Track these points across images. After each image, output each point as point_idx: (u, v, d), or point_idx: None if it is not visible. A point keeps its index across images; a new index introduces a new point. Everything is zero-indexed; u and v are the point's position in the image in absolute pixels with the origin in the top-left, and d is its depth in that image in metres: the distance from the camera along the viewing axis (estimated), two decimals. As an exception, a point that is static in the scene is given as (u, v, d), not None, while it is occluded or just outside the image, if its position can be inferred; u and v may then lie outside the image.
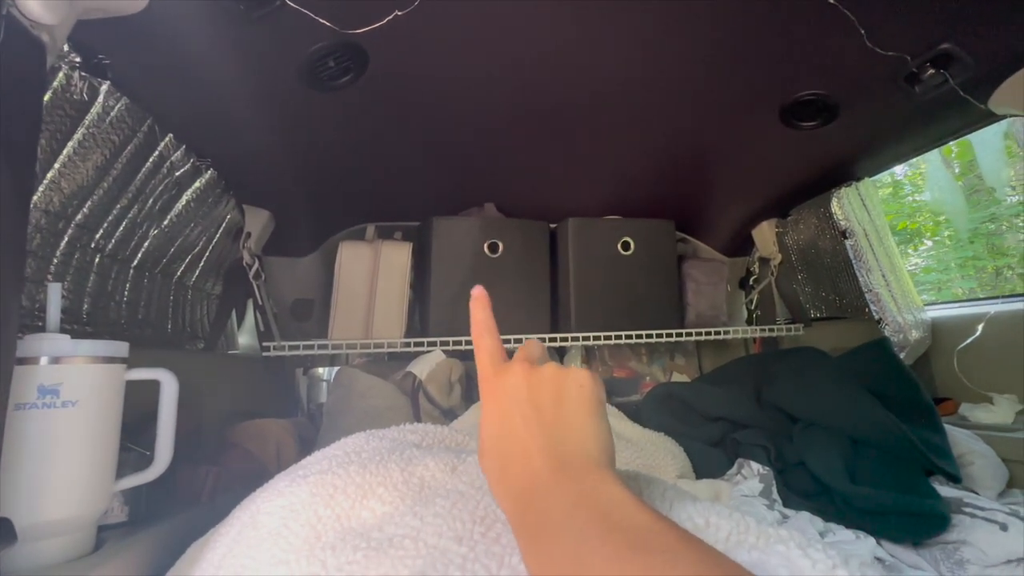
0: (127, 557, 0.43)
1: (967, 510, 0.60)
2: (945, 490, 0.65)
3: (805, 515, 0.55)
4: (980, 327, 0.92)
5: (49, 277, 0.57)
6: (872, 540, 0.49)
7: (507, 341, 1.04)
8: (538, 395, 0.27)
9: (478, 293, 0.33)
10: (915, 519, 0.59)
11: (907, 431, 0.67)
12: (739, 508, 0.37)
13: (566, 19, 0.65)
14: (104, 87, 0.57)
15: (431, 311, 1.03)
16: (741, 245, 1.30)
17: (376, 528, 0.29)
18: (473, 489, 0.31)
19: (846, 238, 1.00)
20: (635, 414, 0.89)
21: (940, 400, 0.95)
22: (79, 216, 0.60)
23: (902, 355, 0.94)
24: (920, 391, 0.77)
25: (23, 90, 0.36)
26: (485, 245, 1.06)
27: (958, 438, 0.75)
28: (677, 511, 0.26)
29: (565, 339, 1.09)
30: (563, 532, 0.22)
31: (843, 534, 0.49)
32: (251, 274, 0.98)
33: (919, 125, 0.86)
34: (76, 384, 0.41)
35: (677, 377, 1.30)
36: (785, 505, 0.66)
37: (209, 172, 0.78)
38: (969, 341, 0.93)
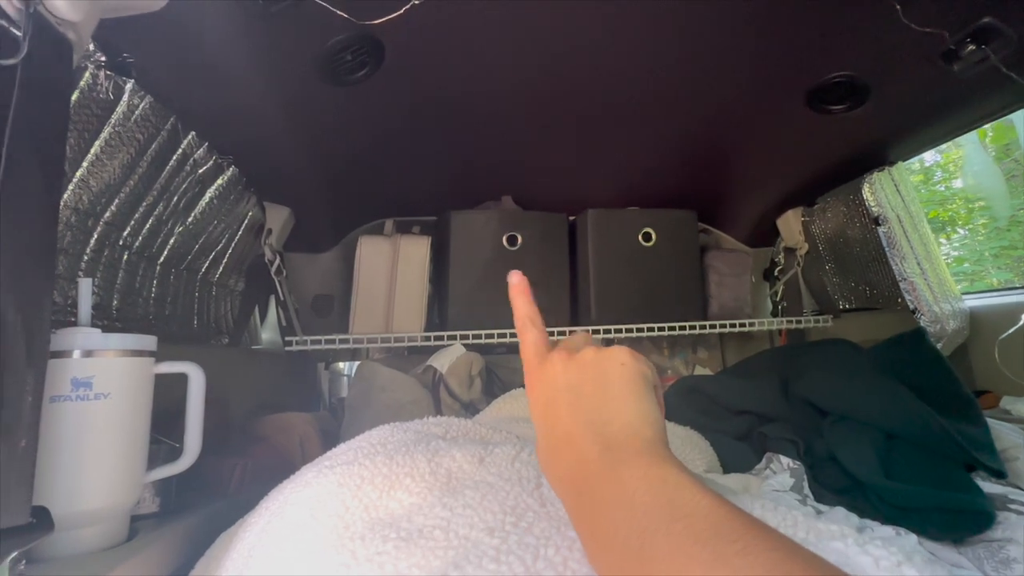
0: (159, 547, 0.44)
1: (1013, 507, 0.58)
2: (988, 486, 0.62)
3: (840, 510, 0.53)
4: (1023, 317, 0.88)
5: (80, 274, 0.59)
6: (914, 537, 0.47)
7: (527, 335, 1.04)
8: (578, 380, 0.27)
9: (518, 280, 0.32)
10: (956, 516, 0.57)
11: (946, 425, 0.65)
12: (771, 500, 0.36)
13: (583, 10, 0.63)
14: (129, 86, 0.57)
15: (450, 305, 1.03)
16: (765, 235, 1.27)
17: (405, 519, 0.28)
18: (502, 480, 0.31)
19: (879, 225, 0.97)
20: (658, 408, 0.88)
21: (980, 393, 0.91)
22: (107, 214, 0.61)
23: (938, 346, 0.91)
24: (959, 383, 0.73)
25: (52, 87, 0.36)
26: (504, 238, 1.05)
27: (1001, 432, 0.72)
28: (717, 504, 0.25)
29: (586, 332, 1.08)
30: (622, 522, 0.21)
31: (882, 531, 0.47)
32: (273, 270, 0.99)
33: (957, 105, 0.82)
34: (108, 377, 0.42)
35: (700, 370, 1.28)
36: (816, 500, 0.64)
37: (231, 169, 0.79)
38: (1012, 331, 0.89)
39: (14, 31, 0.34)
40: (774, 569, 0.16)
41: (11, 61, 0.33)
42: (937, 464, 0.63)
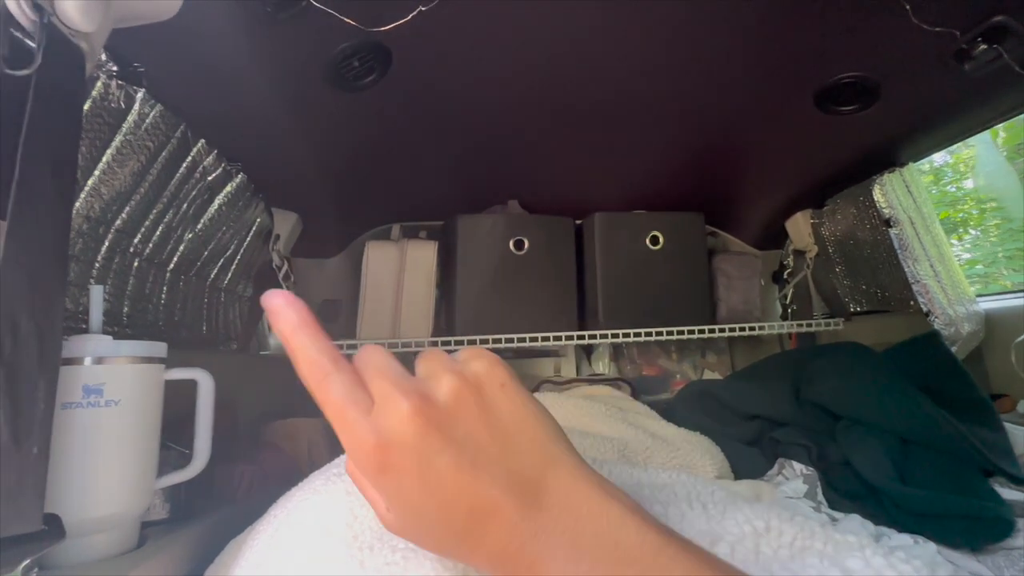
0: (169, 553, 0.44)
1: (1032, 514, 0.56)
2: (1007, 492, 0.61)
3: (856, 518, 0.52)
4: (1040, 319, 0.87)
5: (91, 281, 0.59)
6: (932, 546, 0.46)
7: (535, 340, 1.04)
8: (456, 426, 0.20)
9: (276, 302, 0.22)
10: (975, 523, 0.56)
11: (963, 429, 0.64)
12: (788, 508, 0.35)
13: (591, 12, 0.63)
14: (140, 95, 0.58)
15: (457, 309, 1.03)
16: (774, 238, 1.26)
17: (414, 528, 0.28)
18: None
19: (890, 227, 0.96)
20: (667, 413, 0.87)
21: (996, 396, 0.89)
22: (118, 221, 0.62)
23: (953, 349, 0.89)
24: (975, 387, 0.72)
25: (65, 97, 0.37)
26: (510, 242, 1.05)
27: (1018, 437, 0.71)
28: (732, 514, 0.25)
29: (593, 336, 1.08)
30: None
31: (899, 539, 0.47)
32: (281, 276, 1.00)
33: (969, 105, 0.81)
34: (119, 383, 0.42)
35: (708, 375, 1.27)
36: (830, 507, 0.63)
37: (239, 176, 0.79)
38: (1028, 334, 0.87)
39: (28, 42, 0.34)
40: None
41: (25, 71, 0.33)
42: (955, 470, 0.62)
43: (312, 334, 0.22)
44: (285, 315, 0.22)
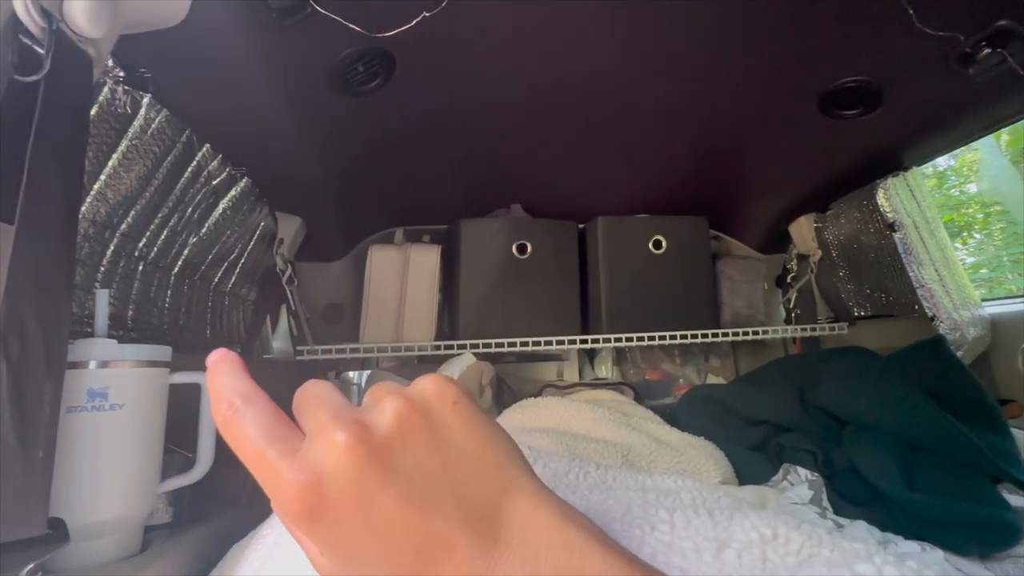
0: (173, 557, 0.44)
1: (1041, 520, 0.56)
2: (1015, 499, 0.60)
3: (862, 524, 0.51)
4: (1046, 323, 0.86)
5: (97, 285, 0.60)
6: (940, 553, 0.46)
7: (538, 344, 1.04)
8: (401, 455, 0.18)
9: (215, 360, 0.20)
10: (983, 530, 0.55)
11: (970, 435, 0.63)
12: (794, 515, 0.35)
13: (593, 17, 0.64)
14: (146, 100, 0.59)
15: (460, 314, 1.03)
16: (777, 242, 1.25)
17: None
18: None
19: (894, 231, 0.95)
20: (670, 417, 0.86)
21: (1003, 402, 0.88)
22: (124, 225, 0.62)
23: (959, 354, 0.89)
24: (982, 392, 0.72)
25: (73, 103, 0.37)
26: (513, 246, 1.05)
27: (1026, 443, 0.70)
28: (739, 520, 0.25)
29: (596, 340, 1.07)
30: None
31: (906, 546, 0.46)
32: (284, 279, 1.00)
33: (973, 109, 0.81)
34: (123, 387, 0.42)
35: (712, 379, 1.26)
36: (836, 513, 0.63)
37: (244, 180, 0.80)
38: (1035, 338, 0.87)
39: (37, 48, 0.34)
40: None
41: (34, 78, 0.34)
42: (962, 476, 0.62)
43: (228, 369, 0.20)
44: (213, 360, 0.20)
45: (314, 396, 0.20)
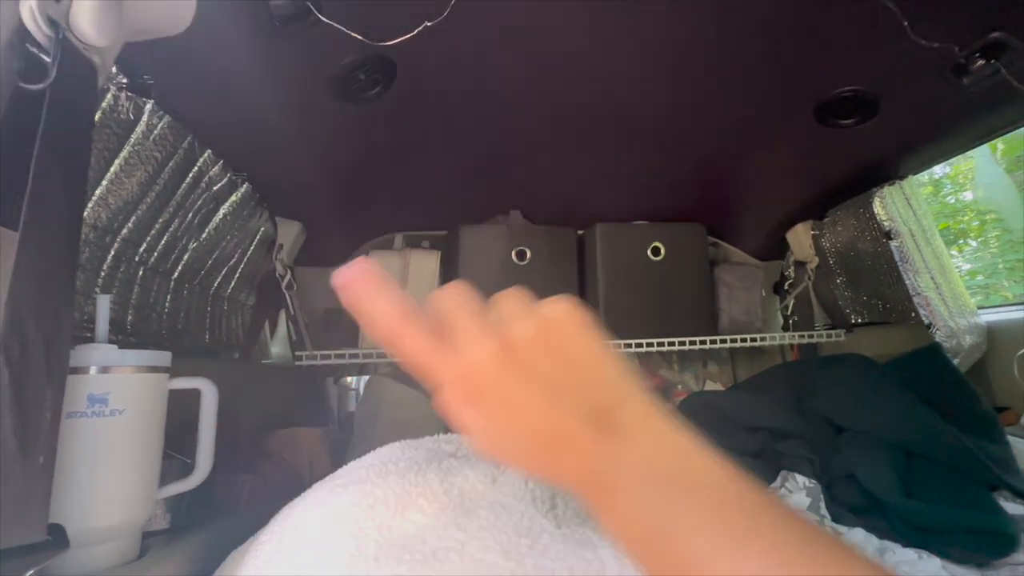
0: (171, 564, 0.44)
1: (1038, 528, 0.56)
2: (1012, 507, 0.61)
3: (859, 532, 0.52)
4: (1042, 331, 0.87)
5: (97, 290, 0.60)
6: (937, 560, 0.46)
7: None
8: (538, 367, 0.21)
9: (356, 271, 0.23)
10: (980, 538, 0.55)
11: (967, 442, 0.63)
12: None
13: (591, 24, 0.64)
14: (148, 106, 0.59)
15: (459, 319, 1.03)
16: (775, 249, 1.26)
17: (419, 540, 0.28)
18: (516, 501, 0.30)
19: (891, 239, 0.96)
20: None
21: (1000, 409, 0.89)
22: (124, 230, 0.62)
23: (955, 362, 0.89)
24: (979, 400, 0.72)
25: (77, 110, 0.38)
26: (513, 252, 1.05)
27: (1022, 450, 0.70)
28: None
29: (594, 347, 1.08)
30: (647, 507, 0.19)
31: (903, 553, 0.46)
32: (284, 285, 1.00)
33: (968, 119, 0.82)
34: (123, 393, 0.42)
35: (710, 386, 1.26)
36: (833, 520, 0.63)
37: (244, 186, 0.80)
38: (1031, 346, 0.87)
39: (43, 57, 0.35)
40: (803, 547, 0.17)
41: (40, 86, 0.34)
42: (959, 483, 0.62)
43: (377, 288, 0.23)
44: (352, 274, 0.23)
45: (453, 305, 0.23)
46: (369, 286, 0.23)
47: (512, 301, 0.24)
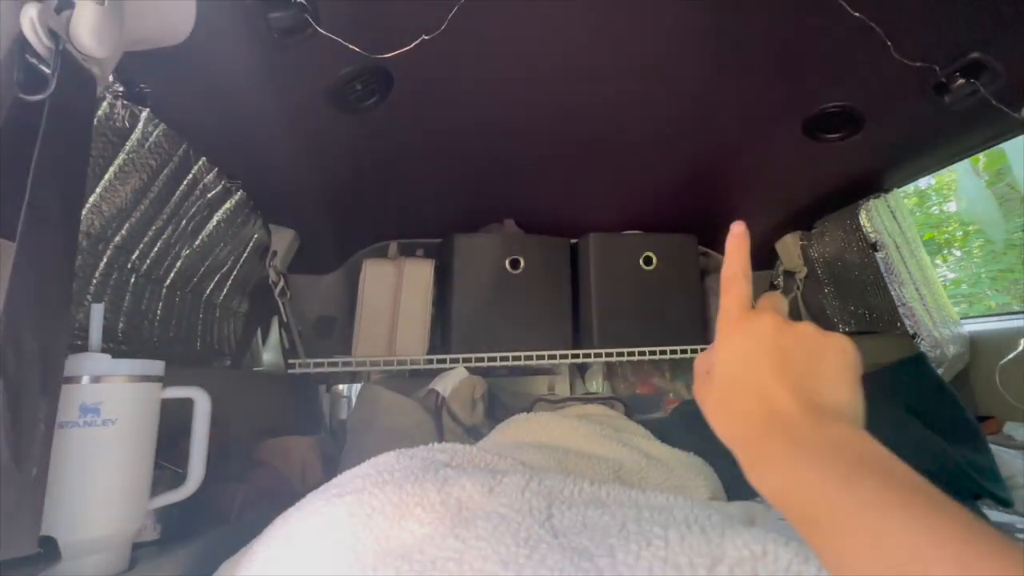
0: (161, 575, 0.43)
1: (1020, 536, 0.57)
2: (995, 515, 0.62)
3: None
4: (1023, 342, 0.89)
5: (89, 297, 0.59)
6: (923, 567, 0.47)
7: (530, 358, 1.04)
8: (791, 346, 0.27)
9: (740, 231, 0.32)
10: (965, 545, 0.56)
11: (951, 451, 0.65)
12: (782, 532, 0.36)
13: (587, 40, 0.66)
14: (144, 114, 0.59)
15: (453, 327, 1.03)
16: (764, 258, 1.28)
17: (417, 550, 0.28)
18: (513, 512, 0.31)
19: (876, 251, 0.98)
20: (660, 432, 0.87)
21: (982, 418, 0.91)
22: (118, 238, 0.62)
23: (939, 371, 0.91)
24: (963, 409, 0.73)
25: (76, 120, 0.38)
26: (507, 262, 1.06)
27: (1005, 459, 0.72)
28: (731, 537, 0.26)
29: (588, 355, 1.08)
30: (823, 465, 0.21)
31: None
32: (277, 292, 1.00)
33: (950, 135, 0.84)
34: (116, 403, 0.42)
35: (701, 394, 1.27)
36: (823, 528, 0.64)
37: (239, 193, 0.80)
38: (1012, 356, 0.90)
39: (43, 68, 0.35)
40: (971, 524, 0.18)
41: (39, 97, 0.34)
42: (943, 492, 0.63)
43: (743, 253, 0.32)
44: (737, 231, 0.32)
45: (773, 300, 0.31)
46: (744, 244, 0.32)
47: (780, 302, 0.31)
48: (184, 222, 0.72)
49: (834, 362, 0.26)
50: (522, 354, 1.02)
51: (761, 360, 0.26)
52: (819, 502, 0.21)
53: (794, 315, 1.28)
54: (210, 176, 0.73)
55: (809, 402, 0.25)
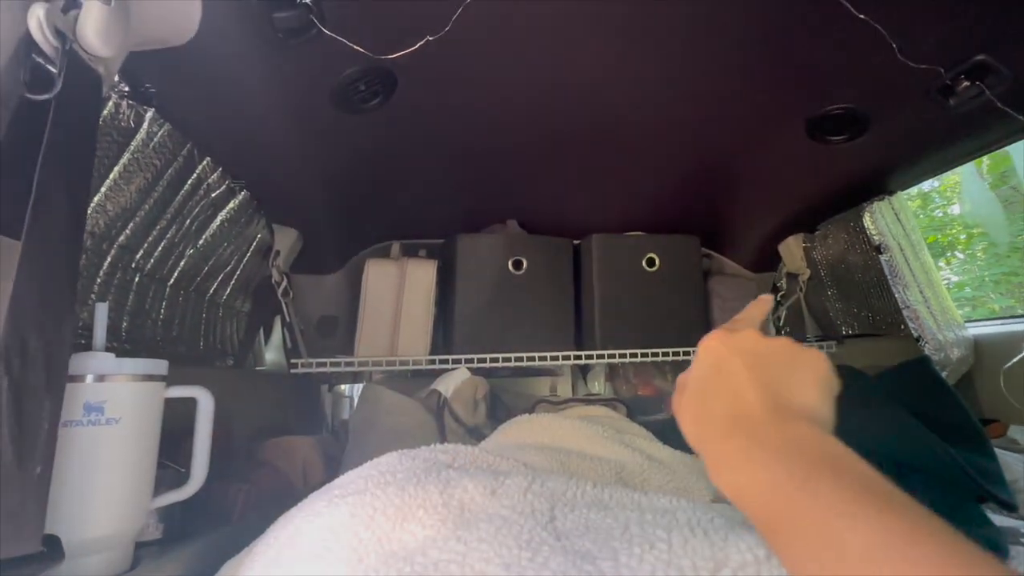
0: (163, 575, 0.43)
1: (1025, 540, 0.57)
2: (999, 519, 0.61)
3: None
4: (1027, 345, 0.88)
5: (93, 296, 0.59)
6: (926, 572, 0.47)
7: (532, 359, 1.04)
8: (769, 355, 0.28)
9: (768, 298, 0.36)
10: (969, 549, 0.56)
11: (956, 455, 0.64)
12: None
13: (588, 39, 0.66)
14: (149, 114, 0.59)
15: (456, 328, 1.03)
16: (767, 260, 1.28)
17: (419, 552, 0.28)
18: (515, 514, 0.30)
19: (880, 253, 0.98)
20: (662, 434, 0.87)
21: (987, 422, 0.90)
22: (122, 237, 0.62)
23: (943, 374, 0.90)
24: (967, 412, 0.73)
25: (82, 120, 0.38)
26: (509, 262, 1.06)
27: (1010, 463, 0.71)
28: (734, 541, 0.25)
29: (590, 356, 1.08)
30: (779, 465, 0.22)
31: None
32: (279, 292, 1.00)
33: (954, 138, 0.84)
34: (120, 402, 0.42)
35: (704, 396, 1.27)
36: (826, 532, 0.63)
37: (242, 193, 0.80)
38: (1017, 359, 0.89)
39: (49, 67, 0.35)
40: (920, 523, 0.19)
41: (46, 96, 0.34)
42: (948, 496, 0.63)
43: (765, 309, 0.35)
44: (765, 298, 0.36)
45: (747, 315, 0.34)
46: (767, 308, 0.35)
47: (760, 314, 0.34)
48: (188, 222, 0.72)
49: (806, 373, 0.28)
50: (524, 355, 1.02)
51: (736, 367, 0.28)
52: (774, 503, 0.22)
53: (797, 318, 1.27)
54: (214, 176, 0.73)
55: (775, 404, 0.26)
